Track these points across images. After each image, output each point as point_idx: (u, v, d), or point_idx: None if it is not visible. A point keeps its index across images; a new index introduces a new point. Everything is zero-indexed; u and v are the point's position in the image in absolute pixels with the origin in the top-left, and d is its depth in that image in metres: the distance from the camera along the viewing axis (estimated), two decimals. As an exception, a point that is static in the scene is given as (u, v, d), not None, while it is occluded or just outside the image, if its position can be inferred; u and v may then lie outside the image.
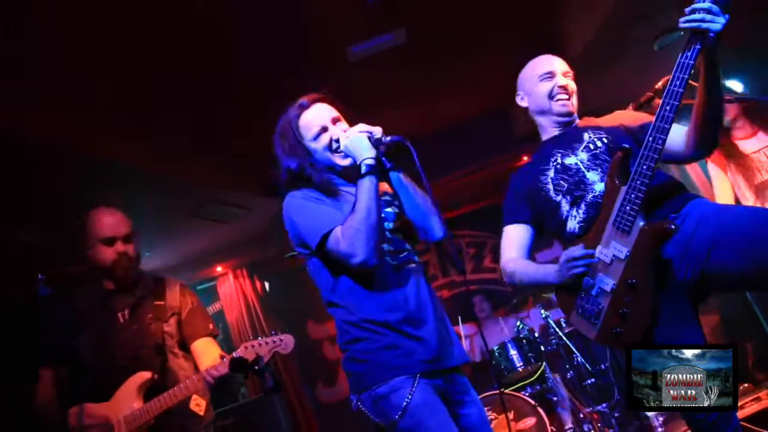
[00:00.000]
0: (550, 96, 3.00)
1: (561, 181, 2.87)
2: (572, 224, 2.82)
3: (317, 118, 2.69)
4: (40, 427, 3.16)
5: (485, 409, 4.79)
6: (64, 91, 4.18)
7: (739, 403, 4.90)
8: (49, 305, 3.18)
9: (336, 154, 2.62)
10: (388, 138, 2.55)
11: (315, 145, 2.66)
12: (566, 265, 2.68)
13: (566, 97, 2.99)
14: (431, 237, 2.66)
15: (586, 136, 2.92)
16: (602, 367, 6.61)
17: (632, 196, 2.50)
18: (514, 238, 3.02)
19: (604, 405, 6.29)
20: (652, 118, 2.54)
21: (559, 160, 2.92)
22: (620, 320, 2.57)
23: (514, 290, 8.63)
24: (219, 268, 8.09)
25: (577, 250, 2.67)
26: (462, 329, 8.56)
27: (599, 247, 2.64)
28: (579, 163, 2.85)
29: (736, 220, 2.41)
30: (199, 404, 3.18)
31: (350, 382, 2.47)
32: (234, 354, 2.95)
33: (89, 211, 3.27)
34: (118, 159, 4.76)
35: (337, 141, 2.61)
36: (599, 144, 2.85)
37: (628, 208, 2.52)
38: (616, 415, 6.21)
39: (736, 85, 6.61)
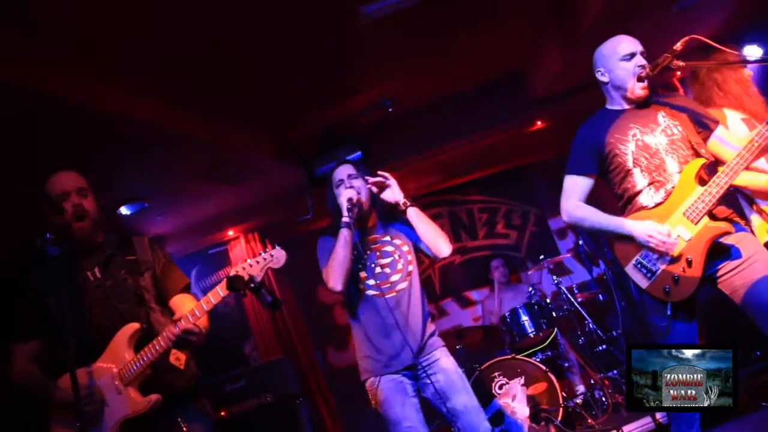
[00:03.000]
0: (634, 77, 3.31)
1: (641, 158, 3.29)
2: (647, 199, 3.28)
3: (337, 175, 3.76)
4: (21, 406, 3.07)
5: (497, 373, 4.92)
6: (82, 48, 4.16)
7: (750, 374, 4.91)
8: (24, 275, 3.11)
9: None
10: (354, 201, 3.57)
11: (335, 192, 3.72)
12: (648, 235, 3.13)
13: (645, 81, 3.31)
14: (439, 255, 3.61)
15: (660, 118, 3.33)
16: (614, 333, 6.62)
17: (707, 198, 3.08)
18: (579, 187, 3.46)
19: (615, 371, 6.31)
20: (708, 113, 3.34)
21: (639, 136, 3.30)
22: (672, 282, 3.13)
23: (527, 256, 8.65)
24: (231, 232, 8.06)
25: (664, 230, 3.11)
26: (474, 294, 8.61)
27: (667, 225, 3.15)
28: (658, 145, 3.27)
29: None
30: (179, 358, 3.09)
31: None
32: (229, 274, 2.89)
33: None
34: (131, 119, 4.72)
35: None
36: (675, 131, 3.29)
37: (700, 205, 3.09)
38: (627, 381, 6.21)
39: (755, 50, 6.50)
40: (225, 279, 2.87)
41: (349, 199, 3.52)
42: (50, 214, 3.03)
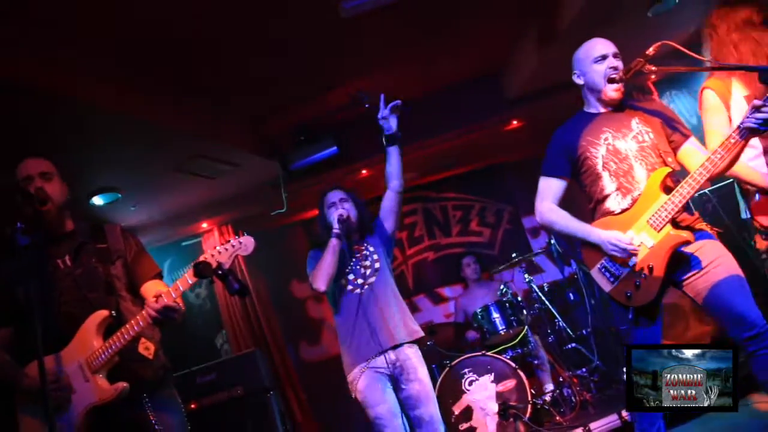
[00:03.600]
0: (605, 79, 3.36)
1: (611, 162, 3.36)
2: (614, 204, 3.35)
3: (330, 198, 4.34)
4: None
5: (467, 370, 5.00)
6: (49, 34, 4.11)
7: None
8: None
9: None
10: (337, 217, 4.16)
11: (329, 213, 4.28)
12: (612, 246, 3.21)
13: (618, 83, 3.34)
14: (399, 185, 4.21)
15: (634, 124, 3.39)
16: (583, 332, 6.69)
17: (669, 207, 3.13)
18: (553, 189, 3.55)
19: (583, 369, 6.39)
20: (681, 121, 3.40)
21: (611, 141, 3.37)
22: (633, 287, 3.21)
23: (500, 254, 8.71)
24: (205, 225, 8.02)
25: (626, 243, 3.17)
26: (447, 291, 8.64)
27: (631, 231, 3.22)
28: (628, 151, 3.34)
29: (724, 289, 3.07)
30: (147, 348, 3.15)
31: None
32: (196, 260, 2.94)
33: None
34: (105, 108, 4.67)
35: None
36: (646, 138, 3.35)
37: (663, 214, 3.15)
38: (594, 379, 6.30)
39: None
40: (192, 266, 2.89)
41: (340, 215, 4.14)
42: (23, 203, 3.02)
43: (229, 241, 3.00)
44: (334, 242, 4.07)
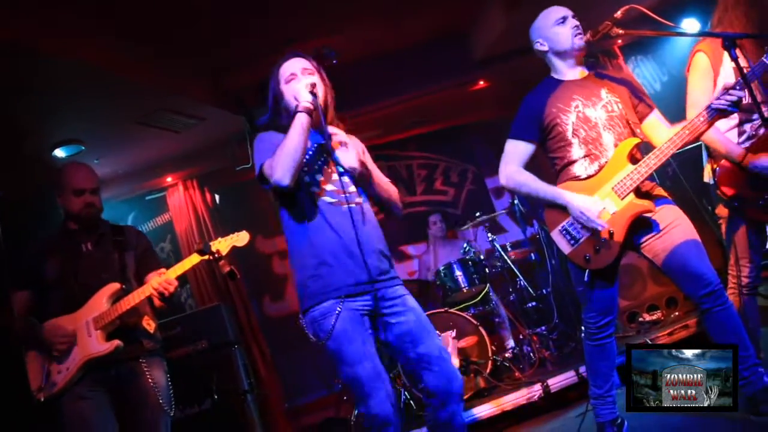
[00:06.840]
0: (569, 35, 3.43)
1: (580, 129, 3.41)
2: (581, 170, 3.42)
3: (290, 67, 3.20)
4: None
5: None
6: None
7: (668, 330, 5.14)
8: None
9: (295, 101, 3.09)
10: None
11: (285, 88, 3.17)
12: (584, 216, 3.27)
13: (581, 32, 3.43)
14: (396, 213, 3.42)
15: (603, 93, 3.46)
16: (543, 291, 6.82)
17: (635, 176, 3.24)
18: (520, 152, 3.56)
19: (543, 327, 6.53)
20: (646, 93, 3.49)
21: (581, 109, 3.42)
22: (593, 251, 3.31)
23: (464, 213, 8.79)
24: (169, 179, 7.93)
25: (596, 210, 3.25)
26: (410, 249, 8.71)
27: (596, 197, 3.31)
28: (597, 119, 3.40)
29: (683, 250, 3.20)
30: (149, 324, 3.69)
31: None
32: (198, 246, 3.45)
33: (63, 164, 3.69)
34: (70, 59, 4.61)
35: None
36: (615, 108, 3.42)
37: (628, 182, 3.25)
38: (553, 337, 6.45)
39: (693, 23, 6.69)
40: (197, 249, 3.43)
41: (312, 84, 3.02)
42: (64, 199, 3.67)
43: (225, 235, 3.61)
44: (302, 119, 2.94)
